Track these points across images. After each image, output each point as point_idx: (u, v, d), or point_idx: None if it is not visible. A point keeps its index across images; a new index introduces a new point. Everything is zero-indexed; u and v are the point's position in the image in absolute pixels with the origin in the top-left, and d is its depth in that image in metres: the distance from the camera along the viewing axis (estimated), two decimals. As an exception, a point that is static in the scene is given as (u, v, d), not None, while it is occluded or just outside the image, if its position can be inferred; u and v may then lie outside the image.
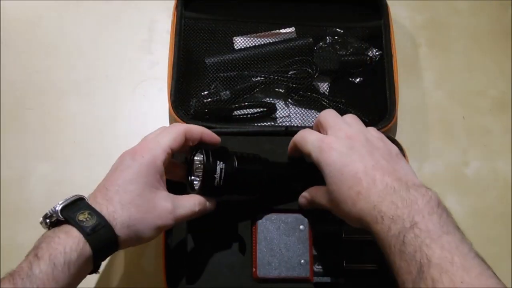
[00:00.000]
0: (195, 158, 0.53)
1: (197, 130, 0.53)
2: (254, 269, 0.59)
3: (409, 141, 0.70)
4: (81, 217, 0.43)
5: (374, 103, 0.70)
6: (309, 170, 0.54)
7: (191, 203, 0.50)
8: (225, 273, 0.60)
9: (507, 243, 0.69)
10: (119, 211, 0.44)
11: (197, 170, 0.53)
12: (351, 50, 0.73)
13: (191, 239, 0.61)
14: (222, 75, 0.69)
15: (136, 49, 0.76)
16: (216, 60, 0.70)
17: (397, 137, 0.71)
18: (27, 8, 0.78)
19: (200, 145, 0.53)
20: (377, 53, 0.73)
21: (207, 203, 0.52)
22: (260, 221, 0.60)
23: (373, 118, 0.69)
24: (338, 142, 0.49)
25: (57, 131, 0.71)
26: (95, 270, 0.46)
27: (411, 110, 0.74)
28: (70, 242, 0.42)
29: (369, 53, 0.73)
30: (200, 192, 0.52)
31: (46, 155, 0.70)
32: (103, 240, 0.43)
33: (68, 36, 0.76)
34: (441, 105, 0.76)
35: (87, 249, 0.42)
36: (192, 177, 0.53)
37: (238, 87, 0.69)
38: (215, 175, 0.50)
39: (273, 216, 0.61)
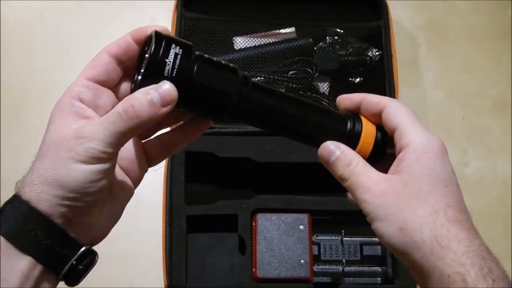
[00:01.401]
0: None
1: (122, 41, 0.38)
2: (254, 269, 0.59)
3: (409, 141, 0.70)
4: None
5: (374, 103, 0.70)
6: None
7: (114, 109, 0.34)
8: (225, 273, 0.60)
9: (507, 243, 0.68)
10: (25, 176, 0.35)
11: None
12: (351, 50, 0.73)
13: (191, 239, 0.61)
14: (222, 75, 0.69)
15: (136, 49, 0.76)
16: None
17: (397, 137, 0.71)
18: (27, 8, 0.78)
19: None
20: (377, 53, 0.73)
21: (150, 95, 0.33)
22: (260, 221, 0.60)
23: (373, 118, 0.69)
24: None
25: (57, 131, 0.71)
26: (54, 267, 0.34)
27: (411, 110, 0.74)
28: None
29: (369, 53, 0.73)
30: (141, 86, 0.34)
31: (46, 155, 0.69)
32: (9, 215, 0.33)
33: (68, 36, 0.76)
34: (441, 105, 0.76)
35: None
36: (139, 77, 0.36)
37: (238, 87, 0.69)
38: (167, 60, 0.34)
39: (273, 216, 0.61)
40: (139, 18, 0.78)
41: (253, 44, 0.72)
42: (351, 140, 0.38)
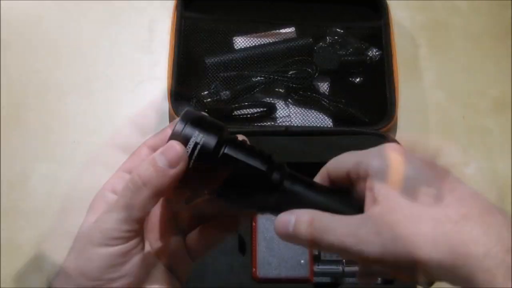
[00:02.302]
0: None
1: (162, 134, 0.35)
2: (254, 269, 0.59)
3: (409, 141, 0.70)
4: None
5: (374, 103, 0.70)
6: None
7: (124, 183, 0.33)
8: (225, 273, 0.60)
9: (507, 243, 0.68)
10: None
11: None
12: (351, 50, 0.73)
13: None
14: (222, 75, 0.69)
15: (136, 49, 0.76)
16: (216, 60, 0.70)
17: (397, 137, 0.71)
18: (27, 8, 0.78)
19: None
20: (377, 53, 0.73)
21: (155, 160, 0.31)
22: (260, 221, 0.60)
23: (373, 118, 0.69)
24: None
25: (57, 131, 0.71)
26: None
27: (411, 110, 0.74)
28: None
29: (369, 53, 0.73)
30: None
31: (46, 155, 0.69)
32: None
33: (68, 36, 0.76)
34: (441, 105, 0.76)
35: None
36: None
37: (238, 87, 0.69)
38: (186, 148, 0.32)
39: (273, 216, 0.61)
40: (139, 18, 0.78)
41: (253, 44, 0.72)
42: None
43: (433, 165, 0.32)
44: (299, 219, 0.33)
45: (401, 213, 0.30)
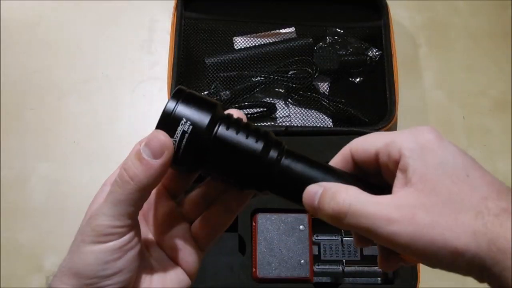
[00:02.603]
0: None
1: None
2: (254, 269, 0.59)
3: (409, 141, 0.70)
4: None
5: (374, 103, 0.70)
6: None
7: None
8: (225, 273, 0.60)
9: (507, 243, 0.68)
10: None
11: None
12: (351, 50, 0.73)
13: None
14: (222, 75, 0.69)
15: (136, 49, 0.76)
16: (216, 60, 0.70)
17: (397, 137, 0.71)
18: (27, 8, 0.78)
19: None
20: (377, 53, 0.73)
21: (139, 152, 0.30)
22: (260, 221, 0.60)
23: (373, 118, 0.69)
24: None
25: (57, 131, 0.71)
26: None
27: (411, 110, 0.74)
28: None
29: (369, 53, 0.73)
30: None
31: (46, 155, 0.70)
32: None
33: (68, 36, 0.76)
34: (441, 105, 0.76)
35: None
36: None
37: (238, 87, 0.69)
38: (173, 139, 0.30)
39: (273, 216, 0.61)
40: (139, 18, 0.78)
41: (253, 44, 0.72)
42: None
43: (466, 154, 0.30)
44: (325, 192, 0.30)
45: (439, 198, 0.28)
